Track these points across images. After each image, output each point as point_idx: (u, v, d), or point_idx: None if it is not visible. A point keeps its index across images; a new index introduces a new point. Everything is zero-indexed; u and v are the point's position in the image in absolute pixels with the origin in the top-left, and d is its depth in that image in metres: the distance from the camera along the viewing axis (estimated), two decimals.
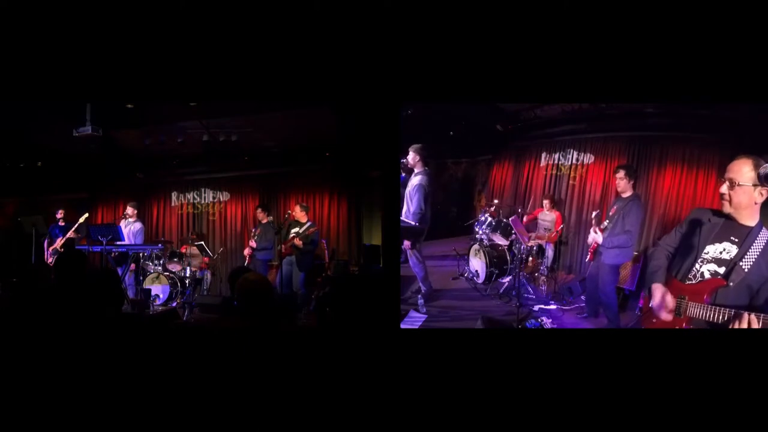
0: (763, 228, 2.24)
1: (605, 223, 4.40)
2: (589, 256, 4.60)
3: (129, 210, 7.06)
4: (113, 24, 3.05)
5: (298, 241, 6.37)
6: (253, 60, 3.08)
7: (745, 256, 2.21)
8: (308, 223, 6.50)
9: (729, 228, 2.31)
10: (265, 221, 7.06)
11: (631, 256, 4.66)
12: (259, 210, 7.19)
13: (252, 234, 7.08)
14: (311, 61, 3.06)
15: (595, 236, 4.39)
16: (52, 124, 6.11)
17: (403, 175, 5.07)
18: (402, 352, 2.73)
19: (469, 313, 5.02)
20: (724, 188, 2.23)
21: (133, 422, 2.27)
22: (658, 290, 2.41)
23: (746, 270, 2.21)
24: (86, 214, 6.86)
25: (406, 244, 5.02)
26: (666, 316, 2.36)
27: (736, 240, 2.27)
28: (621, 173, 4.41)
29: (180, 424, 2.32)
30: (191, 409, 2.33)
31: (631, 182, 4.39)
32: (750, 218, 2.25)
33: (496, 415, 2.61)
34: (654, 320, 2.47)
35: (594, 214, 4.65)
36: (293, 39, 3.05)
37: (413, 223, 5.01)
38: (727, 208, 2.25)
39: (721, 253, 2.30)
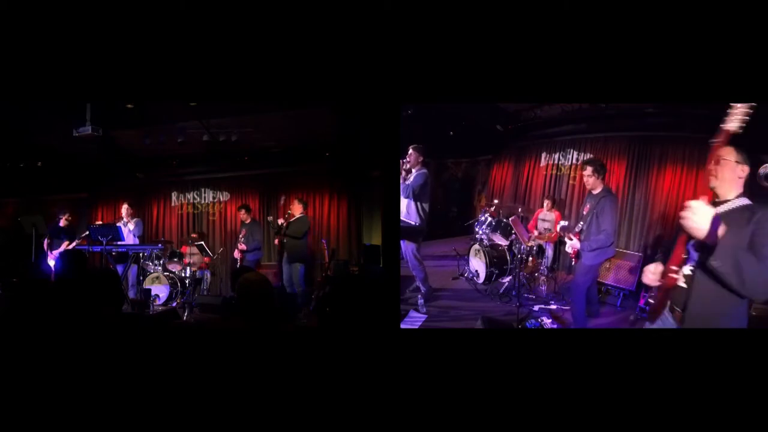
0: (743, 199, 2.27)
1: (580, 224, 4.24)
2: (573, 261, 4.47)
3: (123, 211, 7.04)
4: (113, 24, 3.05)
5: (276, 241, 6.75)
6: (254, 60, 3.08)
7: None
8: (299, 217, 6.55)
9: None
10: (248, 221, 7.08)
11: (611, 254, 4.39)
12: (242, 211, 7.20)
13: (239, 238, 7.10)
14: (311, 62, 3.06)
15: (572, 243, 4.23)
16: (52, 124, 6.11)
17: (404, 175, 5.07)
18: (402, 352, 2.73)
19: (469, 313, 5.03)
20: (711, 164, 2.28)
21: (134, 422, 2.27)
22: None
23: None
24: (87, 233, 6.72)
25: (411, 246, 5.02)
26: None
27: None
28: (588, 170, 4.16)
29: (180, 425, 2.32)
30: (191, 409, 2.33)
31: (600, 178, 4.15)
32: (731, 191, 2.28)
33: (496, 415, 2.62)
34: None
35: (560, 225, 4.59)
36: (293, 39, 3.05)
37: (412, 222, 5.02)
38: (713, 182, 2.29)
39: None
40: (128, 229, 6.93)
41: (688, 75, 2.95)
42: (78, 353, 2.29)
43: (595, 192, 4.19)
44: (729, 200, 2.27)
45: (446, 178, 9.85)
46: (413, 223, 4.98)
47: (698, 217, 2.02)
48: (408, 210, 4.99)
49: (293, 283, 6.46)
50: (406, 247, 5.06)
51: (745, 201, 2.26)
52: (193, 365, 2.38)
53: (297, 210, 6.55)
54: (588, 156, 6.88)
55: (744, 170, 2.29)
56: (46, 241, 6.83)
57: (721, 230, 2.02)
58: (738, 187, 2.29)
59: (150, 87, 3.14)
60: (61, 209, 7.25)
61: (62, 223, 7.01)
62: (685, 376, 2.64)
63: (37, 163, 8.12)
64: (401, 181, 4.90)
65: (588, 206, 4.22)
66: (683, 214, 2.08)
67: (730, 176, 2.27)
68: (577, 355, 2.76)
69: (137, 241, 7.05)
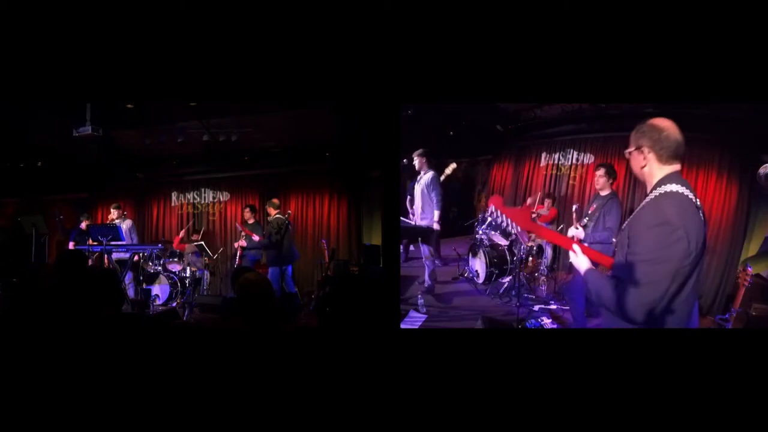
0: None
1: (585, 220, 4.41)
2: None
3: (114, 213, 7.04)
4: (113, 24, 3.05)
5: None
6: (254, 60, 3.08)
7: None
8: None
9: None
10: (252, 221, 7.09)
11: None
12: (248, 209, 7.20)
13: (241, 234, 7.12)
14: (312, 62, 3.06)
15: (576, 232, 4.27)
16: (52, 124, 6.11)
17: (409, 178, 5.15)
18: (402, 352, 2.73)
19: (469, 313, 5.02)
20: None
21: (134, 422, 2.27)
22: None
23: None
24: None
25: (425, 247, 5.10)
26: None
27: None
28: (601, 171, 4.47)
29: (180, 424, 2.32)
30: (191, 409, 2.33)
31: (610, 181, 4.45)
32: (647, 182, 2.01)
33: (496, 415, 2.61)
34: None
35: (574, 207, 4.62)
36: (294, 40, 3.05)
37: (412, 223, 5.05)
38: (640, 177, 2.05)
39: None
40: (123, 229, 6.92)
41: (688, 75, 2.95)
42: (78, 353, 2.29)
43: (603, 194, 4.45)
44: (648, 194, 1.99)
45: (446, 178, 9.84)
46: (428, 224, 5.05)
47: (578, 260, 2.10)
48: (424, 210, 5.07)
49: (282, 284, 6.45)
50: (423, 245, 5.19)
51: (654, 193, 1.94)
52: (193, 365, 2.38)
53: (272, 212, 6.63)
54: (588, 156, 6.90)
55: (645, 157, 1.95)
56: (71, 245, 6.83)
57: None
58: (649, 178, 1.98)
59: (150, 87, 3.14)
60: (81, 212, 7.34)
61: (83, 225, 7.05)
62: (686, 375, 2.64)
63: (37, 163, 8.12)
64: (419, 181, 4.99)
65: (595, 205, 4.43)
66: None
67: (635, 170, 2.04)
68: (577, 355, 2.76)
69: (135, 239, 7.06)
